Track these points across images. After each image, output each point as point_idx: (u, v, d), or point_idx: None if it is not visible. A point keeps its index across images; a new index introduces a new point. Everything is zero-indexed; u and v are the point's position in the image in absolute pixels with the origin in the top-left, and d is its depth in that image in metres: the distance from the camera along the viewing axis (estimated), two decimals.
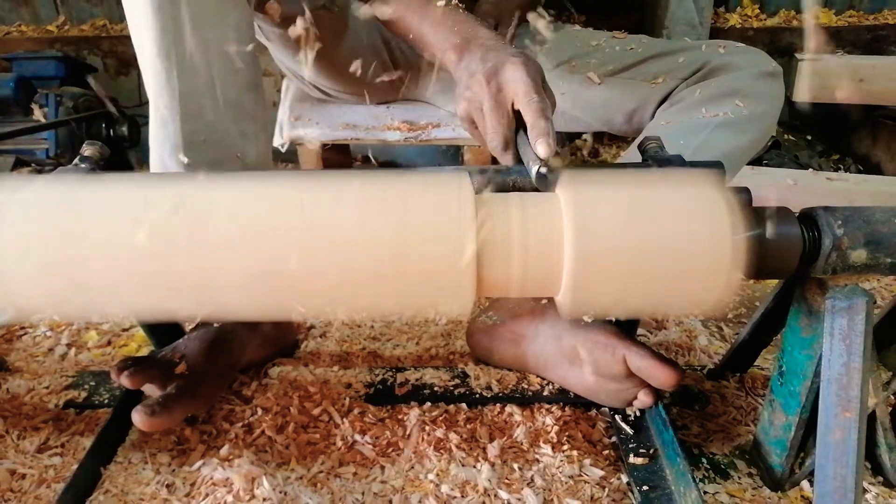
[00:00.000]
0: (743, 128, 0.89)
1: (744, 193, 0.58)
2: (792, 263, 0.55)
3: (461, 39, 0.75)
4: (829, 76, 1.66)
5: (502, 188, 0.59)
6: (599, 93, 1.02)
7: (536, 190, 0.58)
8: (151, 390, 0.73)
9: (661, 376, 0.70)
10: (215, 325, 0.82)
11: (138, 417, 0.66)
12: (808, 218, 0.56)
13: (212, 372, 0.77)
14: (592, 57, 1.03)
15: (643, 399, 0.75)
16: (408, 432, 0.76)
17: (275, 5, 0.90)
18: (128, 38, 0.80)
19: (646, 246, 0.49)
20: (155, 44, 0.73)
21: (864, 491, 0.68)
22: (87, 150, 0.66)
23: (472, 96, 0.71)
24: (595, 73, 1.01)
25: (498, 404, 0.81)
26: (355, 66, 1.07)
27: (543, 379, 0.85)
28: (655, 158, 0.62)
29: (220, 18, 0.76)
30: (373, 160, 2.11)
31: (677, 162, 0.61)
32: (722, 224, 0.49)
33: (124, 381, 0.70)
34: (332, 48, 1.06)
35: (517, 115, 0.68)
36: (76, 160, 0.65)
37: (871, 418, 0.65)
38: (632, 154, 0.94)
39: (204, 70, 0.75)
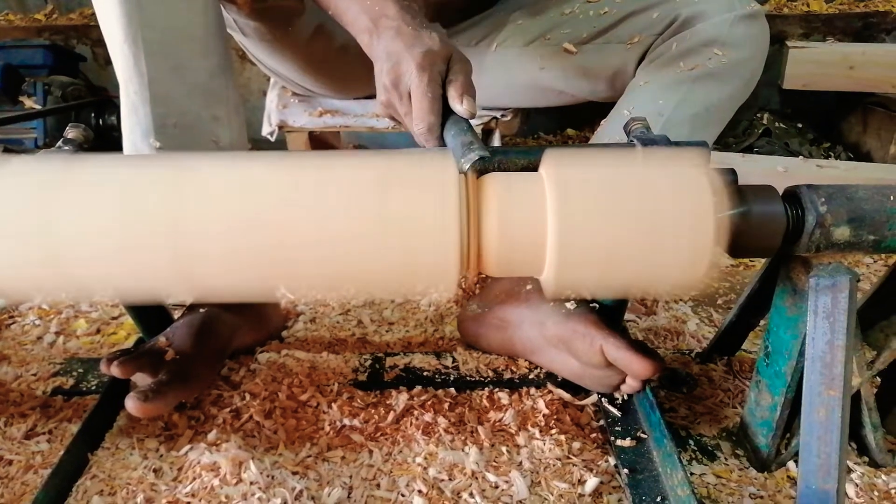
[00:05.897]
0: (724, 77, 0.87)
1: (729, 174, 0.58)
2: (776, 241, 0.55)
3: (370, 21, 0.72)
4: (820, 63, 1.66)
5: (487, 168, 0.59)
6: (578, 62, 1.00)
7: (523, 170, 0.58)
8: (142, 379, 0.72)
9: (638, 368, 0.69)
10: (201, 310, 0.81)
11: (132, 404, 0.65)
12: (792, 196, 0.56)
13: (201, 357, 0.76)
14: (566, 27, 1.01)
15: (630, 384, 0.74)
16: (396, 416, 0.76)
17: None
18: None
19: (629, 225, 0.49)
20: (122, 30, 0.73)
21: (850, 471, 0.69)
22: (70, 132, 0.66)
23: (386, 101, 0.72)
24: (570, 44, 0.99)
25: (486, 388, 0.81)
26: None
27: (531, 363, 0.85)
28: (640, 139, 0.62)
29: (187, 3, 0.75)
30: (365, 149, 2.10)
31: (662, 142, 0.61)
32: (705, 202, 0.49)
33: (114, 371, 0.69)
34: (308, 43, 1.05)
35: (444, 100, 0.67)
36: (59, 142, 0.65)
37: (856, 398, 0.65)
38: (608, 123, 0.94)
39: (172, 55, 0.75)
